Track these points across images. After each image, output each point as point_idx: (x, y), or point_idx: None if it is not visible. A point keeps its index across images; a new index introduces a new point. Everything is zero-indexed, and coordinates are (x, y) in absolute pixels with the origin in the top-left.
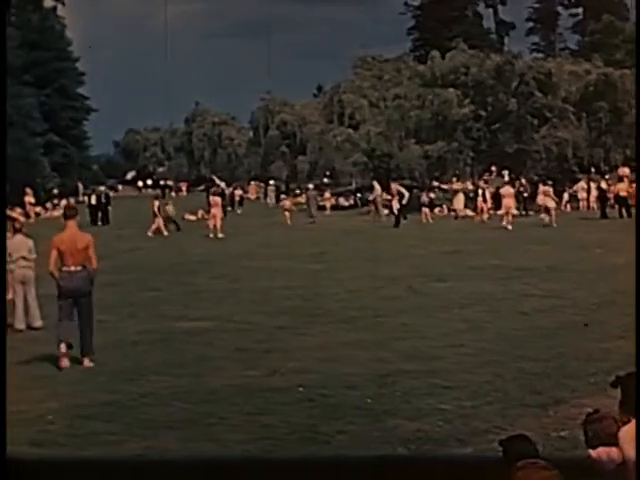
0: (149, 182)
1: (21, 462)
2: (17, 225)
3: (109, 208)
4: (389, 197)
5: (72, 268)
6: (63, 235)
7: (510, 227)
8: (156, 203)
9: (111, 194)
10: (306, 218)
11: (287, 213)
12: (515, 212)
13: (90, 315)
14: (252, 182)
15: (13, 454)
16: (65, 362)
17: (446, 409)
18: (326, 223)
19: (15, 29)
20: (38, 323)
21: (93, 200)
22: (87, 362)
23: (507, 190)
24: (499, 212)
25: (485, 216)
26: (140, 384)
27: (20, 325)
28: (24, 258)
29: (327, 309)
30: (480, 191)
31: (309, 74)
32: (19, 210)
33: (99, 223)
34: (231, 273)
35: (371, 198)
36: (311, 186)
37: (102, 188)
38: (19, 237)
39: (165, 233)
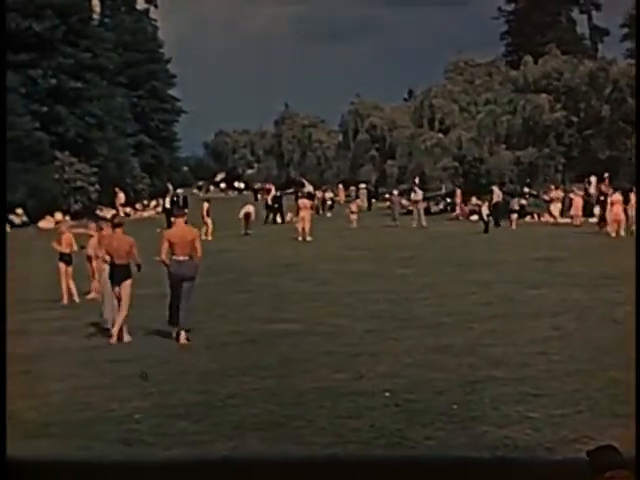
0: (236, 184)
1: (21, 462)
2: (100, 224)
3: (186, 211)
4: (479, 202)
5: (181, 257)
6: (173, 229)
7: (614, 234)
8: (205, 206)
9: (201, 194)
10: (391, 221)
11: (353, 216)
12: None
13: (191, 296)
14: (341, 185)
15: (13, 454)
16: (181, 337)
17: (534, 417)
18: (415, 227)
19: (108, 31)
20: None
21: (167, 203)
22: (183, 338)
23: (617, 197)
24: (591, 220)
25: (578, 221)
26: (228, 385)
27: (108, 325)
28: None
29: (416, 314)
30: (574, 197)
31: (400, 77)
32: (108, 210)
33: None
34: (319, 276)
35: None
36: (395, 192)
37: (179, 190)
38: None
39: (209, 238)
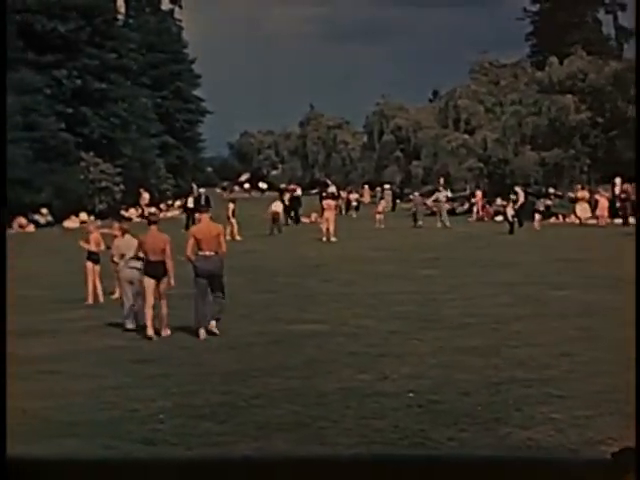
0: (260, 185)
1: (21, 462)
2: (124, 226)
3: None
4: (503, 203)
5: (207, 253)
6: (199, 226)
7: None
8: (231, 206)
9: (225, 194)
10: (412, 222)
11: (380, 216)
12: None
13: (222, 290)
14: (366, 186)
15: (13, 454)
16: (203, 333)
17: (558, 418)
18: (440, 228)
19: (133, 32)
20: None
21: (190, 203)
22: (214, 327)
23: None
24: (616, 221)
25: (604, 222)
26: (253, 385)
27: (130, 325)
28: (132, 259)
29: (441, 315)
30: (599, 198)
31: (425, 78)
32: (133, 210)
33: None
34: (343, 277)
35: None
36: (417, 193)
37: (202, 190)
38: (127, 237)
39: (238, 238)
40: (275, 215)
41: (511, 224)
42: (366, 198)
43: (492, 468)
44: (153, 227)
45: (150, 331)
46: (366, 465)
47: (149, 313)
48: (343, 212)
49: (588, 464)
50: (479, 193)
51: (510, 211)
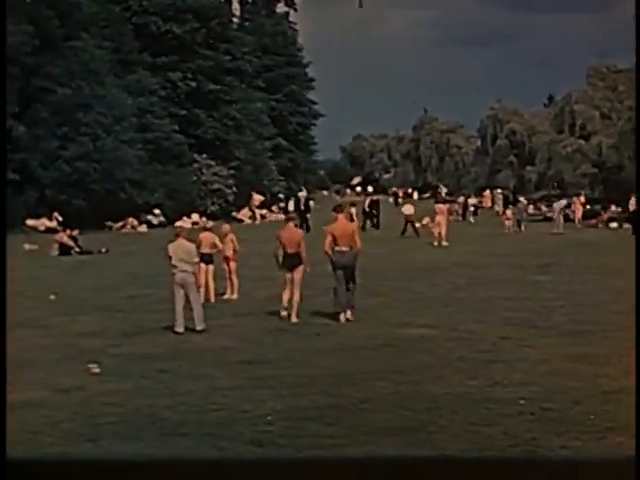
0: (368, 188)
1: (21, 462)
2: (177, 230)
3: (308, 216)
4: (618, 209)
5: (342, 248)
6: (335, 224)
7: None
8: (353, 210)
9: (338, 197)
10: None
11: (508, 222)
12: None
13: (354, 281)
14: (487, 191)
15: (13, 454)
16: (343, 317)
17: None
18: (552, 234)
19: (248, 34)
20: (200, 326)
21: (290, 206)
22: (350, 314)
23: None
24: None
25: None
26: (362, 389)
27: (179, 328)
28: (183, 262)
29: (553, 321)
30: None
31: (539, 83)
32: (245, 211)
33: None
34: (454, 281)
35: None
36: (522, 198)
37: (302, 193)
38: (180, 241)
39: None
40: (408, 218)
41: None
42: (488, 203)
43: (492, 468)
44: (290, 224)
45: (283, 313)
46: (366, 465)
47: (285, 298)
48: (464, 217)
49: (588, 464)
50: (581, 199)
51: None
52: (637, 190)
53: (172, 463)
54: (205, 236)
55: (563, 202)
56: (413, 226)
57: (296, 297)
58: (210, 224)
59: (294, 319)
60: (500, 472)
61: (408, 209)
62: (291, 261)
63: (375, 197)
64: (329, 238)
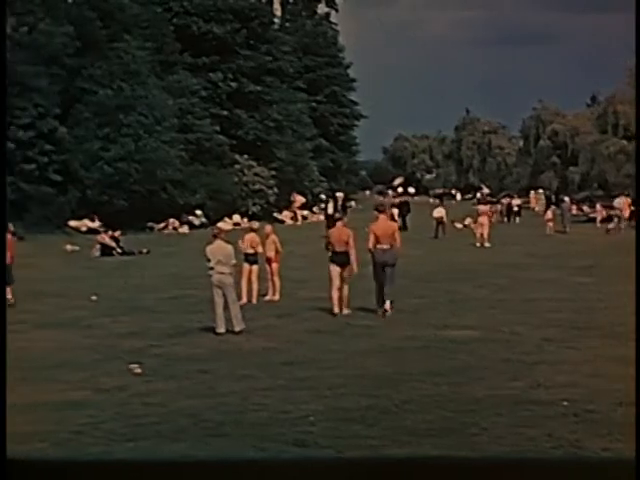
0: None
1: (21, 462)
2: (215, 231)
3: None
4: None
5: (384, 246)
6: (378, 223)
7: None
8: (395, 212)
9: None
10: (561, 228)
11: (550, 223)
12: None
13: (393, 278)
14: (532, 192)
15: (13, 454)
16: (386, 307)
17: None
18: (596, 235)
19: (288, 35)
20: (239, 327)
21: (330, 209)
22: (388, 307)
23: None
24: None
25: None
26: (403, 390)
27: (220, 329)
28: (220, 263)
29: (596, 323)
30: None
31: (582, 83)
32: (286, 212)
33: None
34: (497, 282)
35: None
36: (566, 198)
37: (338, 194)
38: (218, 243)
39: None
40: (439, 220)
41: None
42: (534, 204)
43: (493, 468)
44: (339, 223)
45: (336, 309)
46: (367, 466)
47: (335, 296)
48: (509, 219)
49: (588, 464)
50: (629, 200)
51: None
52: (637, 190)
53: (166, 463)
54: (251, 237)
55: (621, 200)
56: (443, 228)
57: (345, 292)
58: (256, 225)
59: (345, 311)
60: (500, 472)
61: (439, 212)
62: (340, 259)
63: (404, 198)
64: (372, 236)
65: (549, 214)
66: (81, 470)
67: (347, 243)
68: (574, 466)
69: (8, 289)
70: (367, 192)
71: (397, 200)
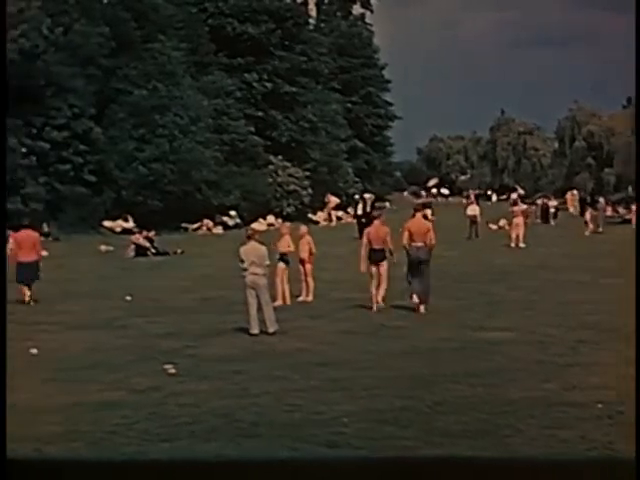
0: (443, 190)
1: (21, 462)
2: (249, 232)
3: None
4: None
5: (418, 244)
6: (413, 221)
7: None
8: (428, 212)
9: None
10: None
11: (591, 225)
12: None
13: (428, 275)
14: (569, 192)
15: (13, 454)
16: (421, 309)
17: None
18: (631, 237)
19: (323, 36)
20: (272, 328)
21: (359, 210)
22: (422, 308)
23: None
24: None
25: None
26: (437, 391)
27: (253, 330)
28: (254, 264)
29: (630, 326)
30: None
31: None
32: (321, 213)
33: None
34: (531, 284)
35: None
36: (602, 199)
37: (367, 195)
38: (251, 244)
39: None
40: (473, 219)
41: None
42: (570, 205)
43: (493, 468)
44: (377, 222)
45: (374, 307)
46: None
47: (373, 291)
48: (547, 220)
49: (588, 464)
50: None
51: None
52: (637, 189)
53: (165, 464)
54: (286, 238)
55: (601, 203)
56: (476, 229)
57: (382, 287)
58: (288, 226)
59: (382, 304)
60: (500, 472)
61: (473, 210)
62: (376, 256)
63: (428, 200)
64: (406, 234)
65: (587, 216)
66: (81, 470)
67: (385, 241)
68: (574, 466)
69: (27, 288)
70: (404, 193)
71: (420, 201)
